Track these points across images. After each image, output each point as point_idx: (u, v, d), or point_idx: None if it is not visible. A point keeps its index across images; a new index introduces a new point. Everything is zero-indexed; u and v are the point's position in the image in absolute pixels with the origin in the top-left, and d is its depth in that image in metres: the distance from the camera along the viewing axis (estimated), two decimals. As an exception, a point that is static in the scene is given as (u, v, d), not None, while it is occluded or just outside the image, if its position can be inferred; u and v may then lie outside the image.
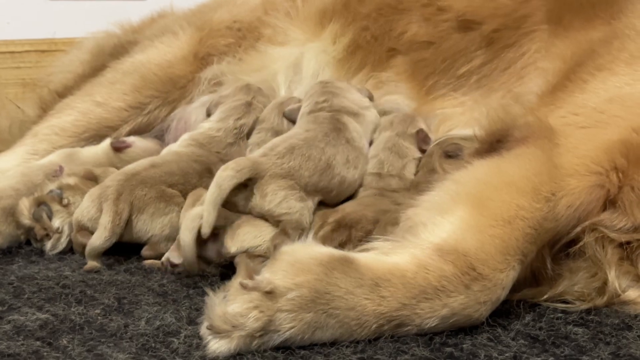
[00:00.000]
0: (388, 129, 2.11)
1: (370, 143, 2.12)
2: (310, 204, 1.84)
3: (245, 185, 1.77)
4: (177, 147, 2.12)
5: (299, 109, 2.14)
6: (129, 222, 1.87)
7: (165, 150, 2.13)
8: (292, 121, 2.15)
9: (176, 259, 1.75)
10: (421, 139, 2.09)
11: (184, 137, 2.16)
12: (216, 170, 2.03)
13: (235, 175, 1.74)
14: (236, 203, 1.78)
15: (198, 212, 1.72)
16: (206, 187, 1.96)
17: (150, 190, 1.90)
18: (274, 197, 1.78)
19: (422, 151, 2.08)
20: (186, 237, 1.70)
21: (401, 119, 2.13)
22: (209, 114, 2.28)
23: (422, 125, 2.14)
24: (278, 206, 1.78)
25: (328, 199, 1.92)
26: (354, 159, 1.98)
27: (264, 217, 1.79)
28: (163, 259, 1.79)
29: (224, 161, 2.07)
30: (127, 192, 1.88)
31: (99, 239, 1.84)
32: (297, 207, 1.79)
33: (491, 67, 2.20)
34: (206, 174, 2.02)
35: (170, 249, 1.80)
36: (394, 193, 1.95)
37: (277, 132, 2.15)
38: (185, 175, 1.99)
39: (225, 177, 1.73)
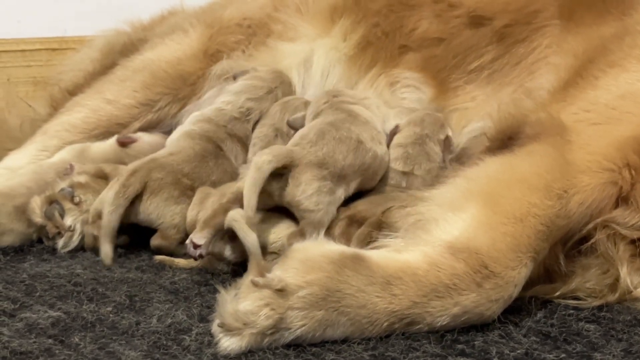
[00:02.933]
0: (418, 125, 2.08)
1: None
2: (341, 193, 1.83)
3: (281, 175, 1.77)
4: (187, 125, 2.13)
5: (303, 118, 2.13)
6: (142, 203, 1.89)
7: (176, 133, 2.12)
8: (295, 129, 2.15)
9: (199, 240, 1.75)
10: (447, 147, 2.06)
11: (194, 114, 2.18)
12: (225, 148, 2.07)
13: (272, 159, 1.74)
14: (272, 193, 1.77)
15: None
16: (222, 171, 1.99)
17: (167, 175, 1.92)
18: (307, 187, 1.77)
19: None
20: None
21: (432, 121, 2.10)
22: (234, 77, 2.32)
23: (450, 133, 2.11)
24: (308, 199, 1.77)
25: (367, 178, 1.91)
26: (376, 136, 1.99)
27: (291, 206, 1.78)
28: (187, 241, 1.78)
29: (230, 136, 2.11)
30: (143, 171, 1.90)
31: (105, 208, 1.85)
32: (324, 202, 1.78)
33: (502, 62, 2.19)
34: (219, 152, 2.05)
35: (194, 231, 1.79)
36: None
37: (277, 130, 2.15)
38: (203, 159, 2.00)
39: (263, 161, 1.73)
